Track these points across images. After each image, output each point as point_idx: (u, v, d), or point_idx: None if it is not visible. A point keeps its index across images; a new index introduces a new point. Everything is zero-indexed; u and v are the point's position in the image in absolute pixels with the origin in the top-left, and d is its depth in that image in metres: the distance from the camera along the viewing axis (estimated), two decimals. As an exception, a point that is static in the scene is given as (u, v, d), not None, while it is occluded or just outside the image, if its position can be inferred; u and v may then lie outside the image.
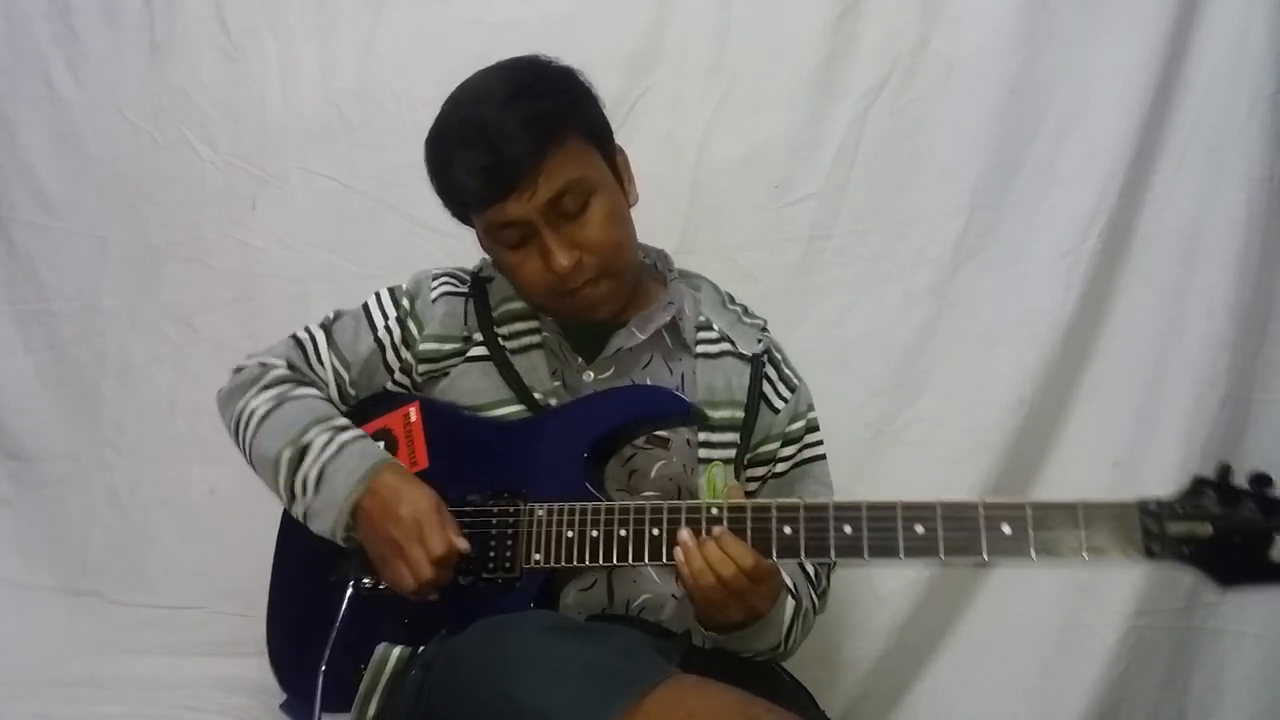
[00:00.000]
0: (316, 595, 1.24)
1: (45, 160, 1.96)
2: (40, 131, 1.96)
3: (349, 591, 1.21)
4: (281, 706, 1.29)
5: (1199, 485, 0.98)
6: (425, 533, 1.13)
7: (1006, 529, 1.01)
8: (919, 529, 1.03)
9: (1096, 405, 1.71)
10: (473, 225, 1.28)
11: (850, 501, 1.06)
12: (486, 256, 1.37)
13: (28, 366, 1.96)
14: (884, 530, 1.04)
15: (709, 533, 1.09)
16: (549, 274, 1.20)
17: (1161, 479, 1.62)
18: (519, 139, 1.15)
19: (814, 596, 1.30)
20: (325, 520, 1.18)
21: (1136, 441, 1.68)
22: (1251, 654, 1.68)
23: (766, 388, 1.31)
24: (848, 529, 1.05)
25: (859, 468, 1.71)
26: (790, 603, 1.21)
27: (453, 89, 1.24)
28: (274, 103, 1.90)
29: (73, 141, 1.95)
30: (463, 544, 1.15)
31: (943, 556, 1.02)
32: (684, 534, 1.10)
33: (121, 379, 1.94)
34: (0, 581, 1.90)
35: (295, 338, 1.34)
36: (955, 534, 1.02)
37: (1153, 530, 0.97)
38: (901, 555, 1.03)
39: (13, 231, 1.96)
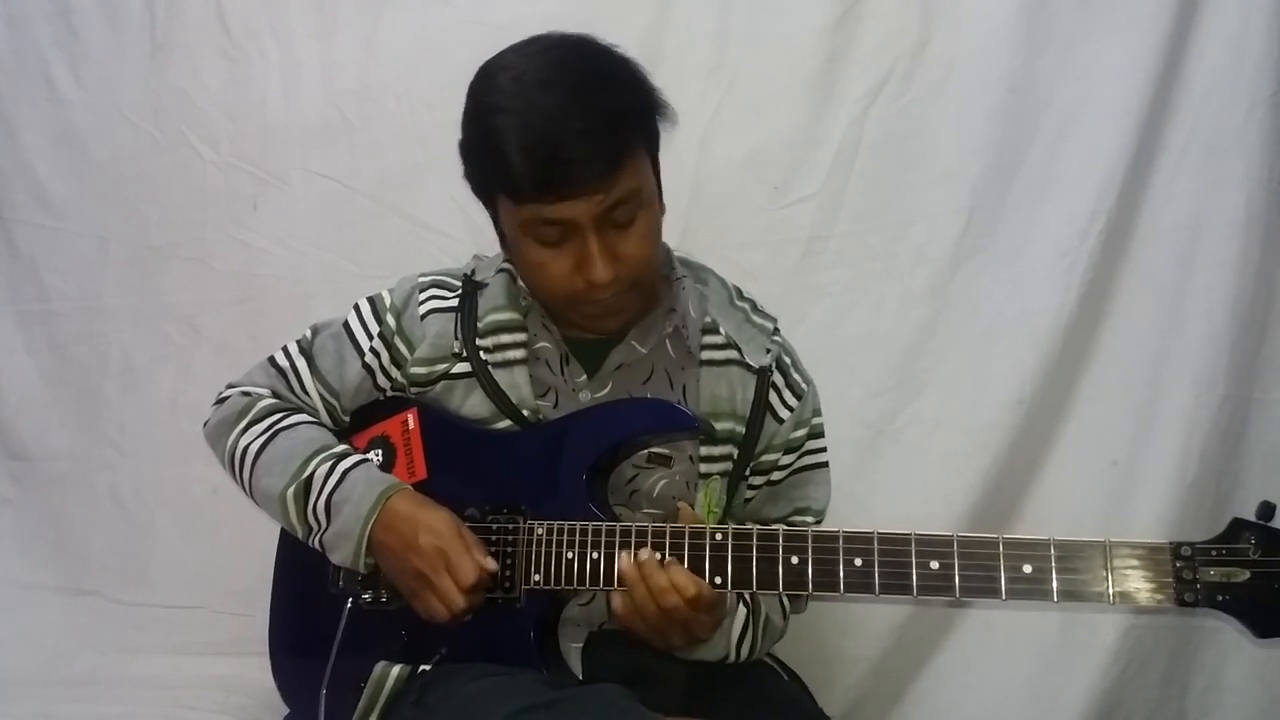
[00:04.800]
0: (317, 608, 1.23)
1: (46, 161, 1.96)
2: (41, 132, 1.96)
3: (347, 608, 1.20)
4: (286, 719, 1.29)
5: (1237, 527, 0.94)
6: (451, 561, 1.10)
7: (1027, 568, 0.97)
8: (934, 565, 1.00)
9: (1095, 405, 1.71)
10: (492, 206, 1.19)
11: (862, 531, 1.03)
12: (480, 256, 1.35)
13: (29, 367, 1.97)
14: (897, 564, 1.01)
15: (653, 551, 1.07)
16: (577, 279, 1.12)
17: (1160, 479, 1.65)
18: (597, 138, 1.06)
19: (783, 601, 1.27)
20: (343, 554, 1.16)
21: (1135, 441, 1.68)
22: (1251, 654, 1.68)
23: (772, 397, 1.25)
24: (858, 562, 1.02)
25: (858, 468, 1.71)
26: (741, 612, 1.19)
27: (498, 57, 1.16)
28: (275, 103, 1.90)
29: (74, 142, 1.95)
30: (491, 564, 1.12)
31: (959, 596, 1.00)
32: (624, 561, 1.07)
33: (123, 379, 1.94)
34: (1, 581, 1.90)
35: (275, 365, 1.29)
36: (972, 572, 0.99)
37: (1186, 577, 0.93)
38: (915, 593, 1.00)
39: (14, 232, 1.97)
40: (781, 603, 1.27)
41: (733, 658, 1.20)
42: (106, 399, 1.94)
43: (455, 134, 1.82)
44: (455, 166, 1.82)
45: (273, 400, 1.27)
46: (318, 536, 1.18)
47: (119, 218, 1.95)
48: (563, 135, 1.06)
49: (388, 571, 1.17)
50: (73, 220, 1.96)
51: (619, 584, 1.08)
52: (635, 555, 1.08)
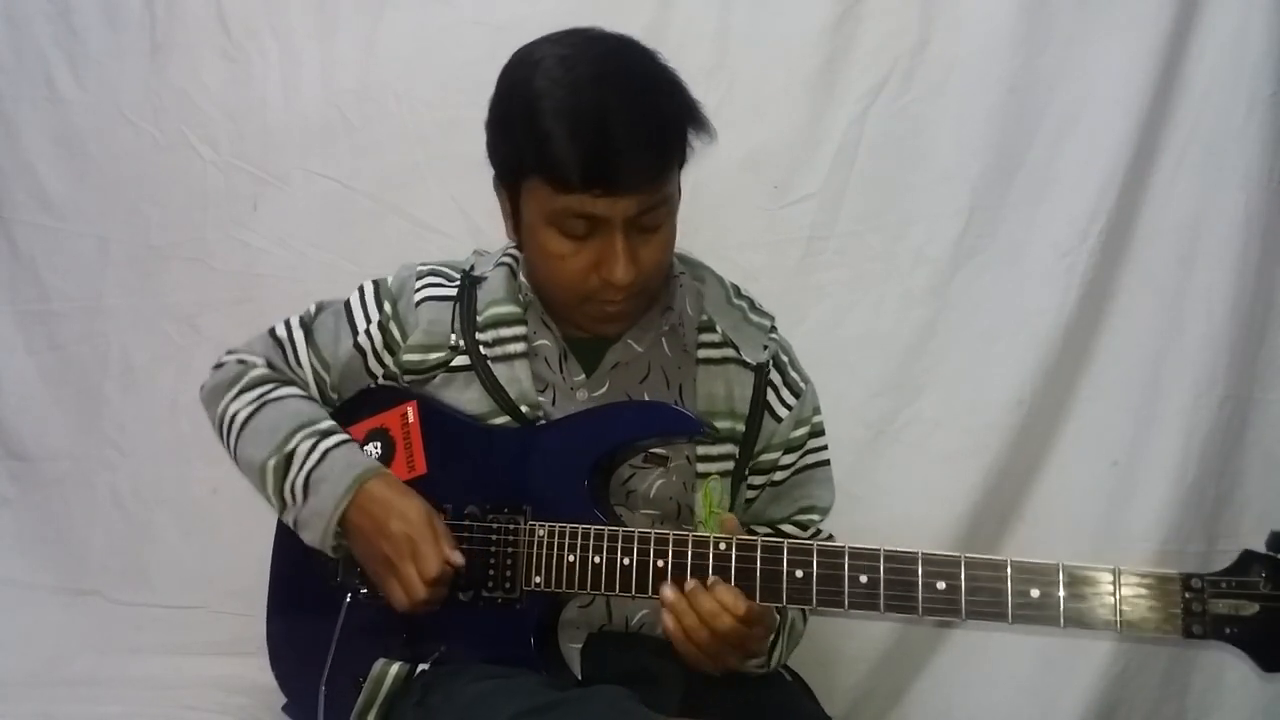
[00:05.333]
0: (316, 601, 1.23)
1: (47, 161, 1.95)
2: (42, 132, 1.95)
3: (346, 603, 1.20)
4: (284, 709, 1.29)
5: (1248, 559, 0.93)
6: (418, 549, 1.09)
7: (1035, 593, 0.95)
8: (940, 585, 0.98)
9: (1095, 405, 1.71)
10: (514, 190, 1.15)
11: (867, 548, 1.02)
12: (480, 252, 1.34)
13: (30, 367, 1.96)
14: (903, 584, 0.99)
15: (703, 576, 1.04)
16: (593, 276, 1.12)
17: (1160, 479, 1.65)
18: (649, 139, 1.07)
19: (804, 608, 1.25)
20: (313, 531, 1.15)
21: (1135, 441, 1.68)
22: (1251, 654, 1.68)
23: (770, 395, 1.25)
24: (863, 579, 1.01)
25: (859, 468, 1.71)
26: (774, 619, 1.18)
27: (538, 43, 1.14)
28: (275, 103, 1.89)
29: (74, 142, 1.94)
30: (457, 558, 1.11)
31: (965, 618, 0.98)
32: (669, 592, 1.04)
33: (123, 379, 1.94)
34: (1, 581, 1.89)
35: (274, 336, 1.29)
36: (979, 596, 0.97)
37: (1195, 609, 0.92)
38: (920, 613, 0.99)
39: (14, 232, 1.96)
40: (802, 608, 1.26)
41: (767, 667, 1.19)
42: (106, 399, 1.94)
43: (455, 134, 1.85)
44: (455, 166, 1.85)
45: (266, 370, 1.26)
46: (292, 513, 1.18)
47: (119, 218, 1.94)
48: (616, 130, 1.04)
49: (358, 555, 1.17)
50: (73, 220, 1.95)
51: (665, 615, 1.05)
52: (677, 584, 1.05)
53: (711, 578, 1.05)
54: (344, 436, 1.20)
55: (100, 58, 1.93)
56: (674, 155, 1.11)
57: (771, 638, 1.18)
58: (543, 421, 1.20)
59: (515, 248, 1.27)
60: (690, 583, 1.05)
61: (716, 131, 1.16)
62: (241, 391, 1.24)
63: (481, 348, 1.22)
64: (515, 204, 1.17)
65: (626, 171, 1.06)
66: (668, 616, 1.05)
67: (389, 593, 1.13)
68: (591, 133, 1.05)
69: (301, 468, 1.16)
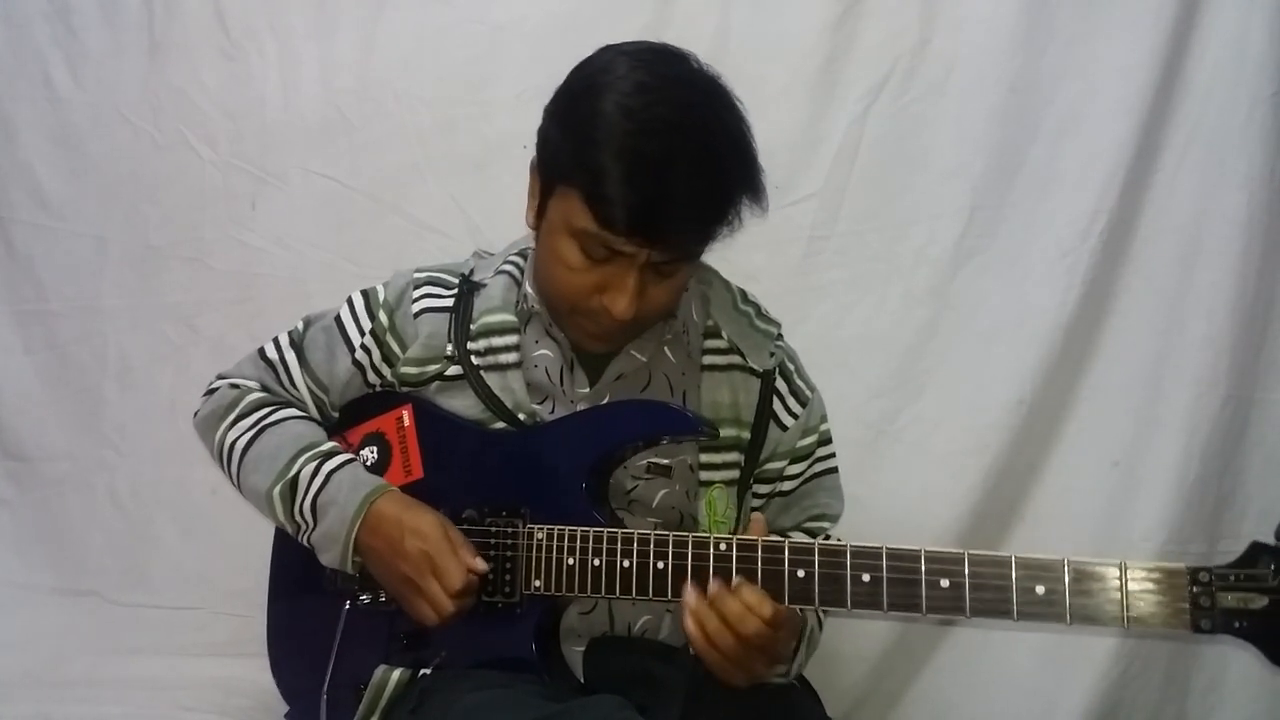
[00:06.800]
0: (315, 607, 1.22)
1: (45, 160, 1.95)
2: (40, 131, 1.95)
3: (345, 609, 1.19)
4: (286, 716, 1.29)
5: (1256, 551, 0.91)
6: (438, 566, 1.08)
7: (1040, 589, 0.94)
8: (944, 583, 0.97)
9: (1096, 405, 1.71)
10: (545, 183, 1.12)
11: (870, 546, 1.00)
12: (481, 253, 1.33)
13: (28, 367, 1.96)
14: (906, 582, 0.98)
15: (717, 578, 1.02)
16: (595, 298, 1.10)
17: (1161, 479, 1.65)
18: (705, 207, 1.06)
19: (819, 611, 1.23)
20: (331, 555, 1.15)
21: (1136, 441, 1.68)
22: (1253, 653, 1.68)
23: (776, 404, 1.23)
24: (866, 578, 0.99)
25: (859, 468, 1.70)
26: None
27: (621, 57, 1.10)
28: (274, 103, 1.89)
29: (72, 142, 1.94)
30: (480, 565, 1.10)
31: (969, 616, 0.97)
32: (690, 596, 1.02)
33: (122, 379, 1.93)
34: (1, 581, 1.90)
35: (265, 358, 1.27)
36: (983, 593, 0.96)
37: (1203, 604, 0.90)
38: (924, 611, 0.98)
39: (12, 232, 1.96)
40: (818, 612, 1.24)
41: (789, 674, 1.18)
42: (105, 399, 1.94)
43: (455, 133, 1.85)
44: (455, 166, 1.85)
45: (261, 394, 1.25)
46: (306, 535, 1.17)
47: (117, 217, 1.94)
48: (675, 190, 1.02)
49: (376, 576, 1.16)
50: (71, 220, 1.95)
51: (687, 620, 1.02)
52: (701, 586, 1.03)
53: (736, 579, 1.03)
54: (347, 457, 1.19)
55: (99, 57, 1.93)
56: (724, 226, 1.10)
57: (794, 643, 1.16)
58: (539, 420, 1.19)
59: (520, 254, 1.26)
60: (714, 584, 1.02)
61: (769, 206, 1.13)
62: (239, 418, 1.22)
63: (474, 357, 1.20)
64: (545, 196, 1.13)
65: (672, 233, 1.05)
66: (690, 622, 1.02)
67: (415, 611, 1.12)
68: (649, 185, 1.02)
69: (307, 492, 1.15)
